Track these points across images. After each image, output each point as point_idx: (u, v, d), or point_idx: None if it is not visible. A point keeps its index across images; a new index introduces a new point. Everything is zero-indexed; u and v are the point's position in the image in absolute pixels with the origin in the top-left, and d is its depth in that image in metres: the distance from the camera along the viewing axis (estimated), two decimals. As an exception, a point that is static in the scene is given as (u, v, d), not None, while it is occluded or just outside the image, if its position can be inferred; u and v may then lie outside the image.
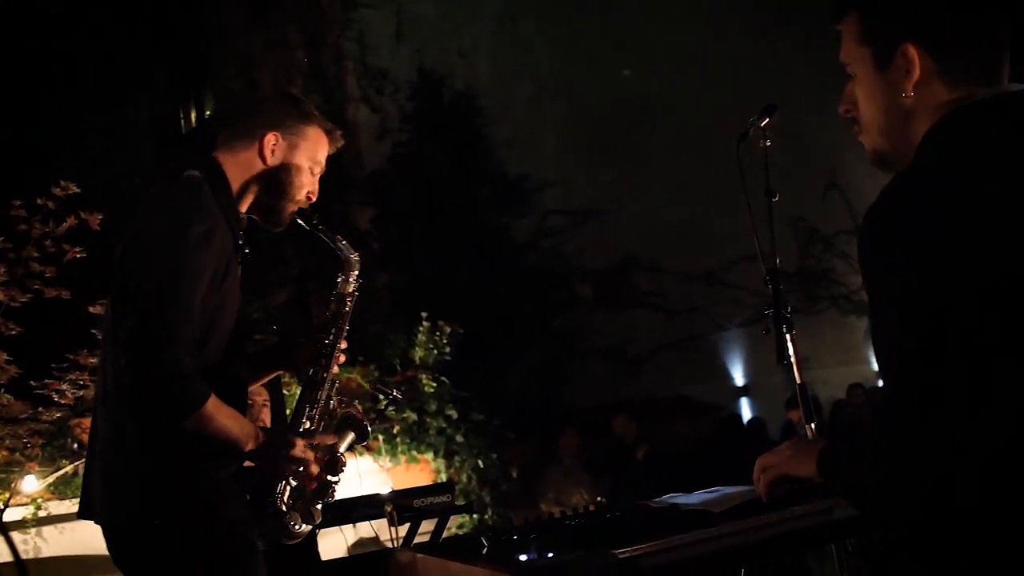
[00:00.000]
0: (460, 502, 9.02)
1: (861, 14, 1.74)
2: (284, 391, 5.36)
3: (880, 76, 1.71)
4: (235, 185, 2.79)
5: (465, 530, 8.03)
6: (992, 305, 1.46)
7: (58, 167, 6.70)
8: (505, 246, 12.71)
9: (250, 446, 2.61)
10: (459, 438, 9.21)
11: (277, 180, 2.83)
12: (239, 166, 2.81)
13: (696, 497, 2.65)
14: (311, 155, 2.89)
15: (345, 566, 4.12)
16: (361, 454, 9.17)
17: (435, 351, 9.30)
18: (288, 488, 2.75)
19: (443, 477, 9.20)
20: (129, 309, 2.52)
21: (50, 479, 7.02)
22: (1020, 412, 1.47)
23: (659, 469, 8.61)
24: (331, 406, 2.96)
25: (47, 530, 7.26)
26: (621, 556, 2.09)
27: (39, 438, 6.85)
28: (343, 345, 3.02)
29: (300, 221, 2.91)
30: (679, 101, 13.98)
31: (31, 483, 7.01)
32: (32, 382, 6.51)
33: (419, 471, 9.25)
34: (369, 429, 3.01)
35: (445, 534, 4.20)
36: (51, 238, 6.28)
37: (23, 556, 7.23)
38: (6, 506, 6.79)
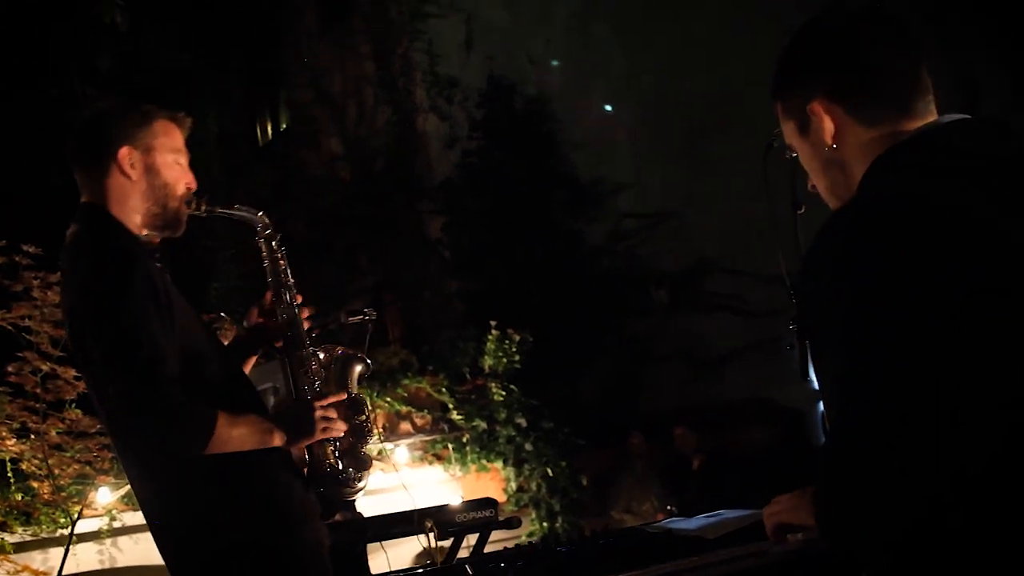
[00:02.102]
0: (529, 511, 9.06)
1: (776, 96, 1.87)
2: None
3: (807, 142, 1.79)
4: (119, 214, 2.75)
5: (534, 539, 7.98)
6: (947, 327, 1.43)
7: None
8: (578, 251, 12.60)
9: (277, 437, 2.65)
10: (528, 446, 9.19)
11: (152, 188, 2.77)
12: (112, 195, 2.75)
13: (695, 522, 2.59)
14: (170, 148, 2.82)
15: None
16: (431, 463, 9.22)
17: (504, 359, 9.30)
18: (330, 447, 2.81)
19: (513, 486, 9.20)
20: (105, 378, 2.52)
21: (122, 491, 7.20)
22: (985, 435, 1.44)
23: (716, 480, 8.44)
24: (321, 358, 2.98)
25: (122, 540, 7.47)
26: (595, 589, 2.04)
27: (108, 452, 7.03)
28: (300, 299, 3.01)
29: (195, 214, 2.86)
30: (754, 104, 13.73)
31: (104, 495, 7.21)
32: (101, 397, 6.67)
33: (489, 480, 9.26)
34: (367, 359, 3.07)
35: (506, 546, 4.19)
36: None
37: (100, 567, 7.48)
38: (79, 517, 6.99)
